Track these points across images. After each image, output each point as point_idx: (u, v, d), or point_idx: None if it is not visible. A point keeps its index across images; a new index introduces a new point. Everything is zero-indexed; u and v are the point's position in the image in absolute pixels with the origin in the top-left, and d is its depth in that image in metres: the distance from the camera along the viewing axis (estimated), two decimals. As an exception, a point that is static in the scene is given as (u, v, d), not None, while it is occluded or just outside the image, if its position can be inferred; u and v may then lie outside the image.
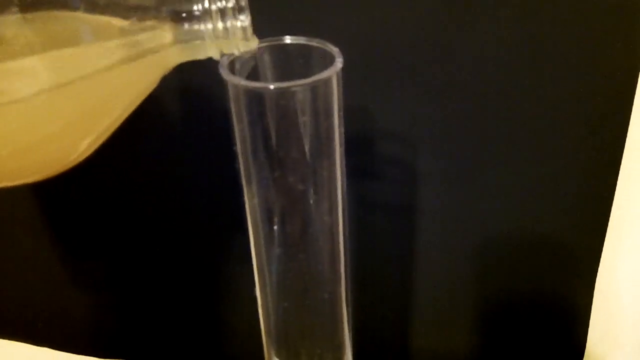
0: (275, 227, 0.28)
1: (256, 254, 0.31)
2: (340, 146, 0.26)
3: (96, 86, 0.20)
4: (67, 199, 0.50)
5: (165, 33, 0.22)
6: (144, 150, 0.46)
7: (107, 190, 0.49)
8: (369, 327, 0.48)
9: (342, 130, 0.26)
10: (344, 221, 0.30)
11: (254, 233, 0.29)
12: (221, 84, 0.24)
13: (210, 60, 0.24)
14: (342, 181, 0.28)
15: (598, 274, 0.46)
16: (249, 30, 0.24)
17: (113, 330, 0.55)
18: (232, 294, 0.51)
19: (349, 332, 0.35)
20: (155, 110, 0.43)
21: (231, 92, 0.24)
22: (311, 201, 0.28)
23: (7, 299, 0.56)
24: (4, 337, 0.58)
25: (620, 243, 0.46)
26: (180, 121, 0.45)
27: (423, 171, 0.44)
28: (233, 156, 0.27)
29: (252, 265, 0.32)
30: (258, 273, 0.32)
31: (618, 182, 0.43)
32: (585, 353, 0.49)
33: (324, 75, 0.23)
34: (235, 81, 0.23)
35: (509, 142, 0.42)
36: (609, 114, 0.41)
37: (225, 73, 0.23)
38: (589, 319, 0.48)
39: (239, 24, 0.23)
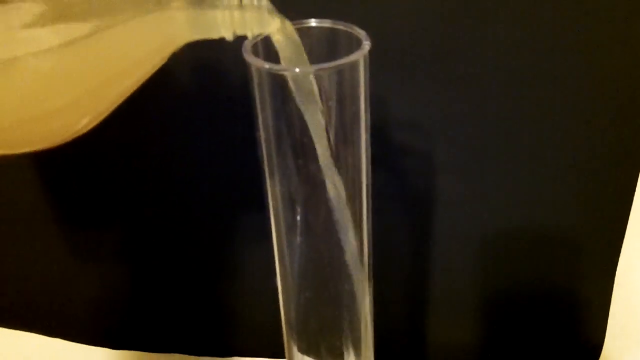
0: (298, 217, 0.28)
1: (278, 244, 0.30)
2: (366, 132, 0.25)
3: (104, 58, 0.20)
4: (75, 188, 0.49)
5: (176, 6, 0.21)
6: (157, 133, 0.46)
7: (117, 177, 0.48)
8: (382, 318, 0.47)
9: (369, 116, 0.25)
10: (368, 210, 0.30)
11: (275, 222, 0.29)
12: (243, 68, 0.23)
13: (228, 43, 0.24)
14: (367, 170, 0.27)
15: (618, 267, 0.46)
16: (265, 10, 0.22)
17: (123, 321, 0.55)
18: (244, 284, 0.51)
19: (371, 323, 0.35)
20: (174, 90, 0.43)
21: (255, 76, 0.23)
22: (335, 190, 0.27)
23: (19, 291, 0.56)
24: (16, 328, 0.58)
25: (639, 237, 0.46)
26: (198, 103, 0.44)
27: (438, 161, 0.43)
28: (250, 142, 0.26)
29: (263, 254, 0.31)
30: (279, 263, 0.31)
31: (640, 176, 0.43)
32: (603, 348, 0.48)
33: (351, 58, 0.22)
34: (259, 64, 0.23)
35: (527, 133, 0.42)
36: (629, 104, 0.40)
37: (248, 56, 0.23)
38: (607, 313, 0.47)
39: (255, 2, 0.22)
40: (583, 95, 0.40)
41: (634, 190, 0.43)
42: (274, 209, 0.29)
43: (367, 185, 0.28)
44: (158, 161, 0.47)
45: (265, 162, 0.26)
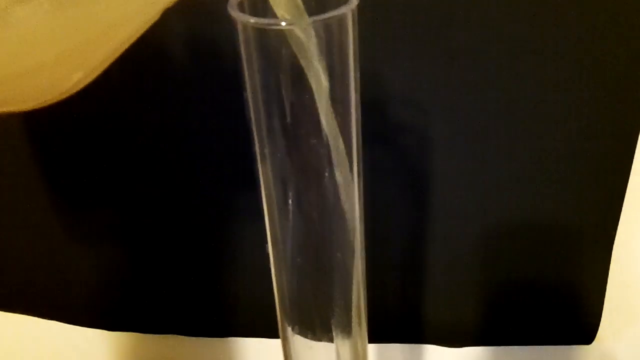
0: (290, 194, 0.27)
1: (270, 221, 0.30)
2: (356, 93, 0.25)
3: (94, 11, 0.19)
4: (70, 169, 0.49)
5: None
6: (153, 114, 0.46)
7: (113, 159, 0.48)
8: (379, 298, 0.47)
9: (358, 76, 0.25)
10: (359, 180, 0.30)
11: (266, 196, 0.29)
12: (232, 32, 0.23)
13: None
14: (357, 133, 0.27)
15: (614, 247, 0.45)
16: None
17: (119, 303, 0.55)
18: (239, 266, 0.51)
19: (365, 303, 0.35)
20: (170, 68, 0.43)
21: (241, 34, 0.23)
22: (324, 152, 0.27)
23: (15, 274, 0.56)
24: (12, 311, 0.58)
25: (637, 215, 0.46)
26: (189, 74, 0.44)
27: (435, 137, 0.43)
28: (242, 109, 0.26)
29: (258, 235, 0.31)
30: (272, 243, 0.31)
31: (636, 151, 0.42)
32: (599, 327, 0.48)
33: (338, 12, 0.22)
34: (244, 19, 0.22)
35: (528, 108, 0.41)
36: (625, 92, 0.40)
37: (233, 11, 0.22)
38: (604, 293, 0.47)
39: None
40: (578, 81, 0.40)
41: (629, 171, 0.43)
42: (264, 179, 0.28)
43: (357, 151, 0.28)
44: (154, 142, 0.47)
45: (253, 122, 0.26)
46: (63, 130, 0.48)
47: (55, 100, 0.21)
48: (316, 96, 0.24)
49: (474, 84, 0.41)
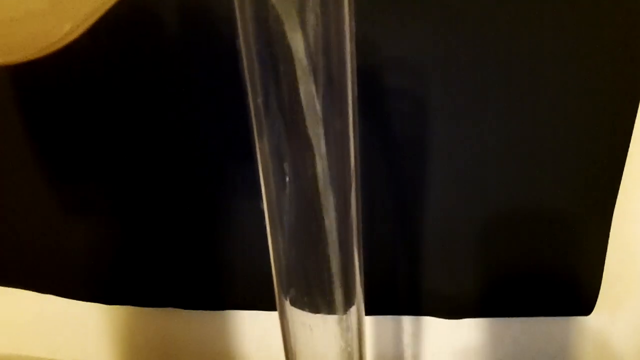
0: (287, 171, 0.27)
1: (266, 192, 0.30)
2: (352, 67, 0.25)
3: None
4: (65, 141, 0.49)
5: None
6: (149, 82, 0.45)
7: (109, 129, 0.48)
8: (377, 268, 0.47)
9: (354, 39, 0.24)
10: (355, 148, 0.29)
11: (262, 166, 0.28)
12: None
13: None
14: (353, 95, 0.27)
15: (614, 216, 0.45)
16: None
17: (116, 277, 0.55)
18: (237, 238, 0.50)
19: (361, 274, 0.35)
20: (167, 38, 0.42)
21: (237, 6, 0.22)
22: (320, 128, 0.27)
23: (10, 248, 0.56)
24: (8, 286, 0.58)
25: (638, 186, 0.45)
26: (185, 41, 0.43)
27: (432, 105, 0.43)
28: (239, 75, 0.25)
29: (256, 207, 0.31)
30: (268, 214, 0.31)
31: (636, 120, 0.42)
32: (598, 297, 0.48)
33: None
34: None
35: (527, 75, 0.41)
36: (624, 72, 0.39)
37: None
38: (603, 263, 0.47)
39: None
40: (576, 58, 0.39)
41: (629, 141, 0.42)
42: (261, 156, 0.28)
43: (353, 124, 0.28)
44: (151, 113, 0.47)
45: (250, 97, 0.26)
46: (56, 102, 0.47)
47: (42, 54, 0.21)
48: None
49: (472, 49, 0.40)
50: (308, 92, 0.25)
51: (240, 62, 0.25)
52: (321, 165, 0.29)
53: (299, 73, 0.24)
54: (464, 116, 0.43)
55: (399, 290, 0.50)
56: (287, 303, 0.35)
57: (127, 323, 0.59)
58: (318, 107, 0.26)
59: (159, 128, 0.47)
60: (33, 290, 0.58)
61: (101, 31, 0.38)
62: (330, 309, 0.35)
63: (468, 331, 0.54)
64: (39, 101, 0.47)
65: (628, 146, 0.43)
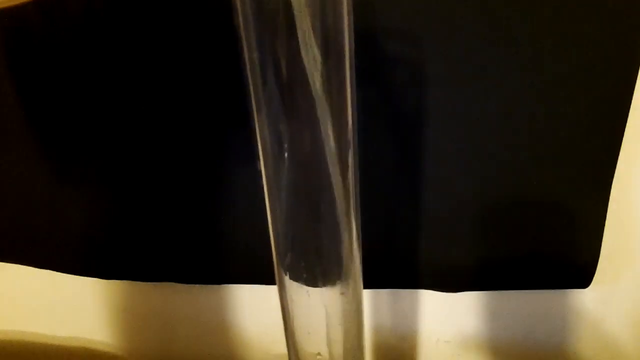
0: (285, 146, 0.27)
1: (265, 166, 0.30)
2: (350, 30, 0.24)
3: None
4: (59, 112, 0.48)
5: None
6: (145, 54, 0.44)
7: (104, 100, 0.47)
8: (374, 241, 0.47)
9: (352, 21, 0.24)
10: (353, 122, 0.29)
11: (261, 140, 0.28)
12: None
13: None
14: (351, 77, 0.27)
15: (612, 186, 0.45)
16: None
17: (112, 251, 0.55)
18: (235, 212, 0.50)
19: (359, 247, 0.35)
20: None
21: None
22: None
23: (5, 222, 0.55)
24: (4, 261, 0.58)
25: (637, 156, 0.45)
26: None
27: (431, 74, 0.42)
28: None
29: (255, 180, 0.31)
30: (268, 190, 0.31)
31: (636, 87, 0.41)
32: (596, 268, 0.48)
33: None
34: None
35: (526, 41, 0.40)
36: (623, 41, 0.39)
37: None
38: (601, 233, 0.47)
39: None
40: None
41: (629, 108, 0.42)
42: (259, 130, 0.28)
43: (351, 97, 0.28)
44: (146, 84, 0.46)
45: (249, 72, 0.26)
46: (50, 73, 0.47)
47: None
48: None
49: (471, 17, 0.40)
50: (308, 67, 0.24)
51: (239, 34, 0.24)
52: (319, 139, 0.28)
53: (301, 45, 0.24)
54: (464, 86, 0.42)
55: (396, 264, 0.50)
56: (285, 276, 0.35)
57: (124, 298, 0.60)
58: (317, 84, 0.25)
59: (156, 101, 0.46)
60: (29, 265, 0.58)
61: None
62: (328, 282, 0.35)
63: (466, 305, 0.54)
64: (32, 74, 0.47)
65: (626, 119, 0.43)
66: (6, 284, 0.62)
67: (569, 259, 0.48)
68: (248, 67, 0.25)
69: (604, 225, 0.46)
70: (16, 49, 0.46)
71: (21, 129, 0.49)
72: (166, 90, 0.46)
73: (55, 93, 0.47)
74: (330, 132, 0.28)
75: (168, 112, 0.47)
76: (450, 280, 0.51)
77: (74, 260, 0.56)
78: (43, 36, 0.45)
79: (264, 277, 0.50)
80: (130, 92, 0.46)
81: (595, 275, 0.48)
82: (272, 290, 0.36)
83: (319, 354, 0.36)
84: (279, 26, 0.23)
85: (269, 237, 0.34)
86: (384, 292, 0.55)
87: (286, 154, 0.28)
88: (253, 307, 0.58)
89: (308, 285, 0.35)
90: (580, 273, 0.48)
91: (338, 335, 0.36)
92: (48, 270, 0.57)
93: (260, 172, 0.31)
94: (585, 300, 0.52)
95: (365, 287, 0.38)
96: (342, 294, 0.35)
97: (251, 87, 0.26)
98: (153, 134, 0.48)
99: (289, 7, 0.23)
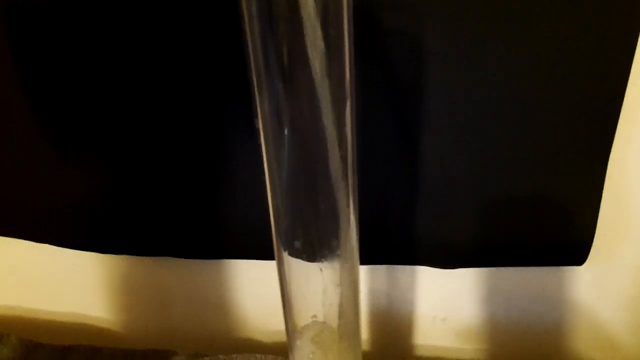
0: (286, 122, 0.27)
1: (265, 144, 0.30)
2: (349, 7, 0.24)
3: None
4: (57, 87, 0.48)
5: None
6: (147, 32, 0.44)
7: (102, 76, 0.47)
8: (371, 217, 0.47)
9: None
10: (352, 98, 0.29)
11: (262, 119, 0.28)
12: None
13: None
14: (350, 53, 0.27)
15: (609, 164, 0.45)
16: None
17: (112, 226, 0.55)
18: (234, 186, 0.50)
19: (356, 223, 0.35)
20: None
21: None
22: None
23: (3, 197, 0.55)
24: (5, 236, 0.58)
25: (633, 131, 0.45)
26: None
27: (429, 47, 0.42)
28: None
29: (254, 155, 0.31)
30: (268, 166, 0.31)
31: (632, 68, 0.41)
32: (592, 245, 0.48)
33: None
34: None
35: (524, 17, 0.40)
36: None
37: None
38: (597, 211, 0.47)
39: None
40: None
41: (627, 80, 0.42)
42: (261, 110, 0.28)
43: (350, 73, 0.28)
44: (146, 59, 0.46)
45: (251, 54, 0.26)
46: (49, 46, 0.46)
47: None
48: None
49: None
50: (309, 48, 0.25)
51: (240, 12, 0.24)
52: (319, 117, 0.29)
53: (305, 25, 0.24)
54: (463, 60, 0.42)
55: (393, 240, 0.50)
56: (284, 252, 0.35)
57: (122, 272, 0.60)
58: (317, 65, 0.25)
59: (156, 76, 0.46)
60: (27, 240, 0.58)
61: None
62: (325, 258, 0.35)
63: (462, 281, 0.54)
64: (31, 47, 0.47)
65: (623, 96, 0.42)
66: (3, 258, 0.62)
67: (565, 236, 0.48)
68: (250, 45, 0.25)
69: (600, 202, 0.46)
70: (15, 27, 0.46)
71: (21, 105, 0.49)
72: (166, 66, 0.46)
73: (55, 69, 0.47)
74: (329, 110, 0.28)
75: (168, 87, 0.47)
76: (447, 257, 0.51)
77: (73, 235, 0.56)
78: (41, 14, 0.45)
79: (263, 252, 0.51)
80: (130, 68, 0.46)
81: (591, 252, 0.48)
82: (269, 265, 0.36)
83: (314, 316, 0.36)
84: (281, 6, 0.23)
85: (267, 212, 0.34)
86: (381, 268, 0.55)
87: (286, 132, 0.29)
88: (251, 282, 0.58)
89: (306, 260, 0.35)
90: (575, 250, 0.49)
91: (334, 299, 0.36)
92: (47, 245, 0.57)
93: (261, 148, 0.31)
94: (581, 277, 0.52)
95: (362, 263, 0.38)
96: (339, 269, 0.36)
97: (252, 66, 0.26)
98: (152, 109, 0.48)
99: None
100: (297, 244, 0.33)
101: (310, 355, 0.36)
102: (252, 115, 0.29)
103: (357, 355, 0.40)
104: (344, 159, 0.31)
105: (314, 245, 0.34)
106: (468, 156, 0.46)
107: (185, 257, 0.56)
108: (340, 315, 0.36)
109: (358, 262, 0.37)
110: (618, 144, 0.44)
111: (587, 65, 0.42)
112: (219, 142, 0.48)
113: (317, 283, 0.36)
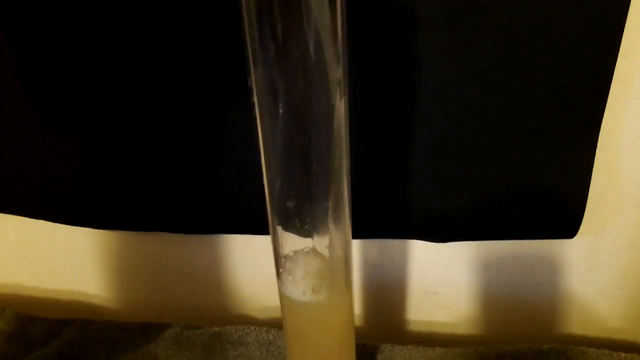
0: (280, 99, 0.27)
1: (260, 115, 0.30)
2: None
3: None
4: (50, 60, 0.48)
5: None
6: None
7: (97, 49, 0.47)
8: (363, 191, 0.47)
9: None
10: (344, 75, 0.29)
11: (257, 95, 0.28)
12: None
13: None
14: (342, 21, 0.26)
15: (600, 135, 0.45)
16: None
17: (106, 201, 0.55)
18: (228, 161, 0.50)
19: (349, 195, 0.35)
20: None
21: None
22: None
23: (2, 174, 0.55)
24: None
25: (623, 104, 0.45)
26: None
27: (421, 16, 0.42)
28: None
29: (249, 130, 0.31)
30: (263, 144, 0.32)
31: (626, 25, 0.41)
32: (583, 217, 0.48)
33: None
34: None
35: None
36: None
37: None
38: (588, 182, 0.47)
39: None
40: None
41: (616, 55, 0.42)
42: (256, 86, 0.29)
43: (342, 46, 0.28)
44: (139, 32, 0.45)
45: (247, 30, 0.26)
46: (40, 14, 0.46)
47: None
48: None
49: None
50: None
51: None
52: (312, 94, 0.29)
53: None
54: (454, 29, 0.42)
55: (386, 214, 0.51)
56: (279, 226, 0.35)
57: (117, 248, 0.60)
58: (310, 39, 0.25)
59: (150, 49, 0.46)
60: (21, 216, 0.58)
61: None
62: (318, 232, 0.35)
63: (455, 254, 0.55)
64: (22, 15, 0.46)
65: (615, 64, 0.42)
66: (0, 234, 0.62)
67: (556, 209, 0.48)
68: (245, 20, 0.25)
69: (591, 174, 0.46)
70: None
71: (13, 78, 0.49)
72: (161, 39, 0.45)
73: (46, 40, 0.47)
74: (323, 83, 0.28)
75: (162, 60, 0.46)
76: (439, 230, 0.51)
77: (67, 211, 0.56)
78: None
79: (257, 227, 0.51)
80: (124, 40, 0.46)
81: (582, 225, 0.48)
82: (265, 240, 0.36)
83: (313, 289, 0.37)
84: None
85: (262, 187, 0.35)
86: (374, 242, 0.55)
87: (280, 109, 0.29)
88: (246, 258, 0.58)
89: (300, 235, 0.35)
90: (567, 223, 0.49)
91: (326, 271, 0.36)
92: (41, 220, 0.57)
93: (256, 123, 0.31)
94: (573, 249, 0.52)
95: (355, 237, 0.38)
96: (332, 243, 0.36)
97: (248, 44, 0.26)
98: (147, 83, 0.47)
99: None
100: (290, 203, 0.34)
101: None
102: (247, 90, 0.29)
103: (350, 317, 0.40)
104: (339, 132, 0.32)
105: (307, 219, 0.34)
106: (461, 129, 0.46)
107: (180, 232, 0.56)
108: (332, 274, 0.37)
109: (350, 236, 0.37)
110: (609, 115, 0.45)
111: (577, 30, 0.41)
112: (214, 116, 0.48)
113: (310, 258, 0.36)
